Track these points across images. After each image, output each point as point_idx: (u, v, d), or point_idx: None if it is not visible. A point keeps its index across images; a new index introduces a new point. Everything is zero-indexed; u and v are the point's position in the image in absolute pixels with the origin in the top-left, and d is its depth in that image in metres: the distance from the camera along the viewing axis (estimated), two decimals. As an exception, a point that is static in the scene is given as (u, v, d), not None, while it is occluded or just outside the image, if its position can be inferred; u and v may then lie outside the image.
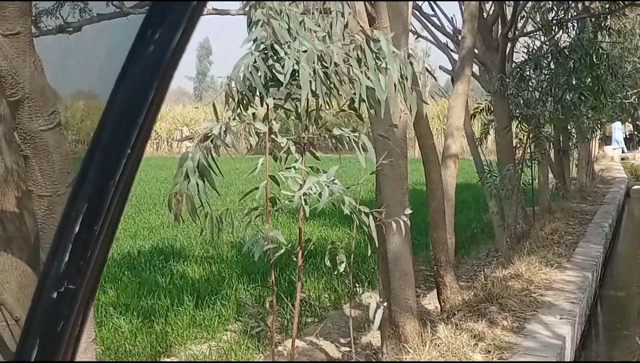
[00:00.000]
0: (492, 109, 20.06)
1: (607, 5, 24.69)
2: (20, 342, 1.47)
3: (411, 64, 6.74)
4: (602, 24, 23.09)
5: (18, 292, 4.56)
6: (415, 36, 21.67)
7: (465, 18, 15.62)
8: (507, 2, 19.46)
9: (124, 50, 1.43)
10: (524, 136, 21.05)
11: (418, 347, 9.17)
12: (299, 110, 6.29)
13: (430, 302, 11.95)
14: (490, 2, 19.02)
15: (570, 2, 21.84)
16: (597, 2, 22.50)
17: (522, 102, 20.39)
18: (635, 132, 59.56)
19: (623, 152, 55.01)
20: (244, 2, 6.80)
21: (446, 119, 14.55)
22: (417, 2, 18.43)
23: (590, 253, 17.99)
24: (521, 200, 19.68)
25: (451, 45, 19.87)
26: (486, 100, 21.09)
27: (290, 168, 6.34)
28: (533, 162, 22.68)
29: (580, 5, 23.57)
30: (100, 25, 4.75)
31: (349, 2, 6.85)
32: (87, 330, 4.27)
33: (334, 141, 6.75)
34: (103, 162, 1.45)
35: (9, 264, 4.41)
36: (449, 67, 19.20)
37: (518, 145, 21.04)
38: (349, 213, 6.22)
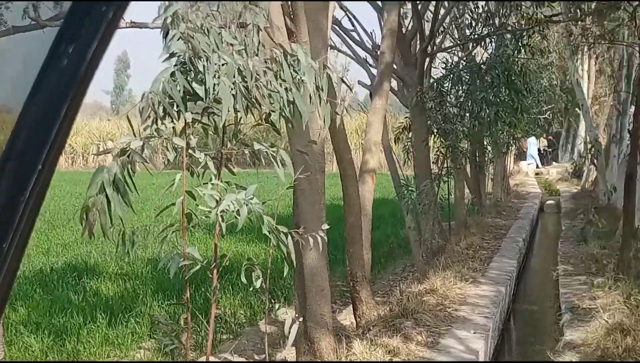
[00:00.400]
0: (411, 125, 20.21)
1: (524, 23, 25.08)
2: None
3: (328, 76, 6.73)
4: (522, 41, 23.50)
5: None
6: (334, 51, 21.72)
7: (384, 33, 15.72)
8: (426, 15, 19.63)
9: (39, 64, 1.44)
10: (441, 151, 21.30)
11: (331, 360, 9.17)
12: (218, 125, 6.26)
13: (346, 317, 11.97)
14: (409, 18, 19.13)
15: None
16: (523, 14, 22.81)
17: (440, 117, 20.62)
18: (548, 148, 60.58)
19: (537, 167, 55.98)
20: (162, 15, 6.72)
21: (364, 134, 14.61)
22: (337, 16, 18.46)
23: (504, 268, 18.21)
24: (437, 215, 19.82)
25: (370, 60, 19.98)
26: (406, 117, 21.21)
27: (207, 183, 6.30)
28: (450, 177, 22.94)
29: (497, 21, 23.89)
30: (15, 38, 4.63)
31: (265, 16, 6.83)
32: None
33: (252, 156, 6.73)
34: (14, 176, 1.43)
35: None
36: (368, 82, 19.31)
37: (435, 160, 21.24)
38: (267, 233, 6.19)
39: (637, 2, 16.30)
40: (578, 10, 22.65)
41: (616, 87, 31.05)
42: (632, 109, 19.46)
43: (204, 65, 6.01)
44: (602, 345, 10.48)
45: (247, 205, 5.92)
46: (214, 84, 5.91)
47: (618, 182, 23.46)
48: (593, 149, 33.46)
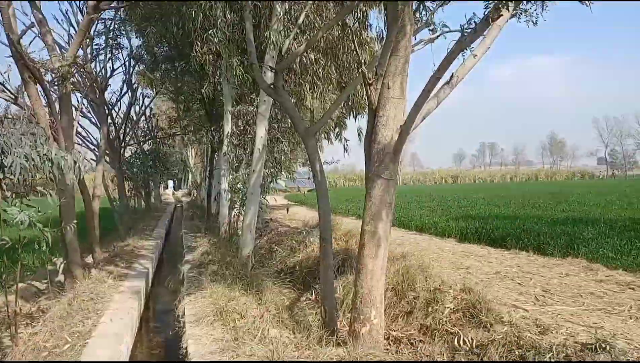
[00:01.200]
0: (116, 176, 18.79)
1: (164, 134, 24.29)
2: None
3: (75, 158, 6.12)
4: (163, 143, 22.99)
5: None
6: (78, 146, 19.55)
7: (102, 137, 14.46)
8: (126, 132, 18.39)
9: None
10: (130, 186, 20.10)
11: (82, 280, 8.25)
12: (17, 180, 5.40)
13: (89, 259, 10.65)
14: (114, 133, 17.71)
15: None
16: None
17: (130, 172, 19.46)
18: (176, 183, 59.18)
19: (173, 192, 55.02)
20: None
21: (94, 181, 13.25)
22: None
23: (160, 232, 17.52)
24: (128, 213, 18.57)
25: (96, 150, 18.22)
26: (115, 174, 19.58)
27: (13, 206, 5.41)
28: (134, 197, 21.61)
29: (155, 133, 22.99)
30: None
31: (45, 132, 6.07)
32: None
33: (38, 192, 5.89)
34: None
35: None
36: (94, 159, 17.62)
37: (128, 190, 19.99)
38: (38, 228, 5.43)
39: (203, 130, 16.54)
40: (186, 130, 22.43)
41: (203, 160, 31.35)
42: (208, 169, 19.60)
43: (9, 151, 5.20)
44: (199, 260, 10.42)
45: (29, 217, 5.17)
46: (12, 162, 5.11)
47: (205, 195, 23.49)
48: (195, 184, 33.77)
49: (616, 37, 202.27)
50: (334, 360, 4.45)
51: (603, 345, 3.90)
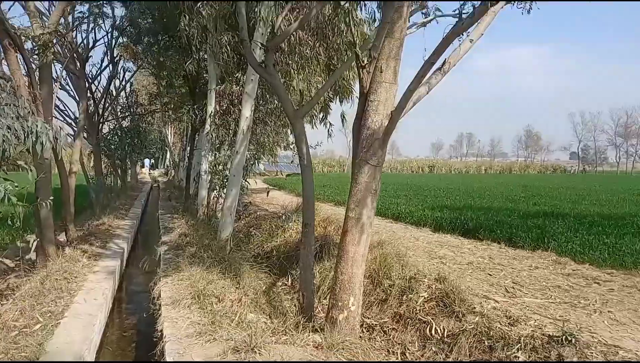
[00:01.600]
0: (93, 153, 18.37)
1: (144, 110, 23.80)
2: None
3: (56, 132, 5.96)
4: (145, 119, 22.50)
5: None
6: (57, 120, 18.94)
7: (81, 111, 14.08)
8: (104, 108, 17.89)
9: None
10: (107, 163, 19.71)
11: (55, 258, 8.08)
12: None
13: (63, 239, 10.45)
14: (93, 108, 17.22)
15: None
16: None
17: (107, 149, 19.08)
18: (152, 162, 57.97)
19: (150, 172, 54.10)
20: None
21: (71, 157, 12.90)
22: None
23: (136, 212, 17.29)
24: (104, 190, 18.23)
25: (72, 124, 17.72)
26: (90, 149, 19.10)
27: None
28: (111, 174, 21.26)
29: (133, 110, 22.53)
30: None
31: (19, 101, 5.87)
32: None
33: (18, 166, 5.75)
34: None
35: None
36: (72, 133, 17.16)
37: (104, 167, 19.57)
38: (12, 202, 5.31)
39: (188, 108, 16.24)
40: (167, 107, 21.97)
41: (182, 139, 30.84)
42: (188, 149, 19.32)
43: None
44: (176, 242, 10.31)
45: (4, 189, 5.04)
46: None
47: (183, 176, 23.16)
48: (173, 163, 33.27)
49: (598, 31, 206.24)
50: (311, 345, 4.52)
51: (569, 338, 4.07)
